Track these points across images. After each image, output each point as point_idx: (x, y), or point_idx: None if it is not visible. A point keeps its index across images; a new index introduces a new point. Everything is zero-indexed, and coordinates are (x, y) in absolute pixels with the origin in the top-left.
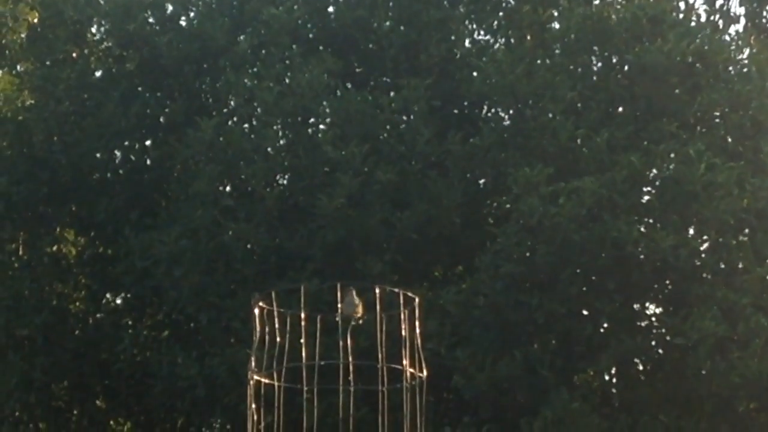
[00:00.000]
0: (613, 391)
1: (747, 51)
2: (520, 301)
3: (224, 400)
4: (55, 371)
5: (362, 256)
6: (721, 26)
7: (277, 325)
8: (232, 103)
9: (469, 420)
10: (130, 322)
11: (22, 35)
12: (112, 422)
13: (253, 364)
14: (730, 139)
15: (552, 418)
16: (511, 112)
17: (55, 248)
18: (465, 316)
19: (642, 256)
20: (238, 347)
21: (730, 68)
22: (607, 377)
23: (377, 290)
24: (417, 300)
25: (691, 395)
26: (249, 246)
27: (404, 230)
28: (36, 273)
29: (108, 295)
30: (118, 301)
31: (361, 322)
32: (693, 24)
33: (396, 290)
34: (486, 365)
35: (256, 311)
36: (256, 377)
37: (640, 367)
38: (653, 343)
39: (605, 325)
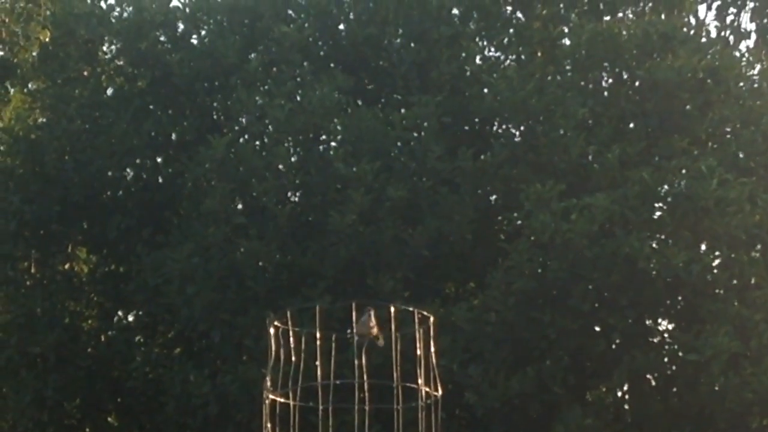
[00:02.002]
0: (626, 407)
1: (758, 66)
2: (532, 317)
3: (237, 417)
4: (67, 389)
5: (374, 273)
6: (731, 42)
7: (292, 344)
8: (243, 120)
9: None
10: (142, 340)
11: (34, 54)
12: None
13: (268, 383)
14: (741, 155)
15: None
16: (522, 128)
17: (67, 266)
18: (477, 333)
19: (654, 272)
20: (250, 364)
21: (741, 84)
22: (619, 393)
23: (392, 309)
24: (432, 319)
25: (704, 411)
26: (261, 263)
27: (416, 247)
28: (48, 291)
29: (120, 313)
30: (131, 319)
31: (380, 343)
32: (704, 40)
33: (411, 309)
34: (498, 382)
35: (272, 330)
36: (271, 396)
37: (653, 384)
38: (666, 359)
39: (618, 341)
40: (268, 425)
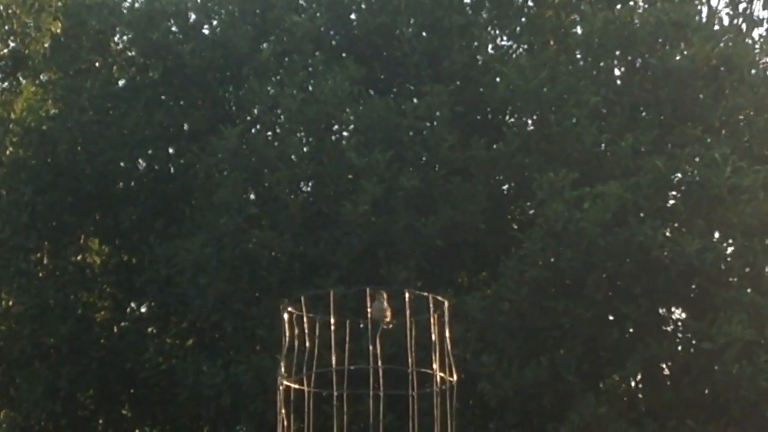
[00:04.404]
0: (640, 396)
1: None
2: (545, 306)
3: (250, 407)
4: (80, 380)
5: (387, 262)
6: (744, 30)
7: (306, 331)
8: (255, 110)
9: (495, 426)
10: (155, 331)
11: (46, 45)
12: (137, 431)
13: (282, 369)
14: (755, 143)
15: (579, 423)
16: (534, 117)
17: (79, 257)
18: (490, 322)
19: (668, 261)
20: (263, 354)
21: (755, 71)
22: (633, 382)
23: (406, 294)
24: (446, 304)
25: (719, 400)
26: (273, 253)
27: (429, 236)
28: (61, 282)
29: (133, 304)
30: (143, 310)
31: (390, 326)
32: (716, 28)
33: (425, 294)
34: (512, 371)
35: (285, 316)
36: (285, 383)
37: (667, 372)
38: (680, 347)
39: (631, 330)
40: (283, 411)
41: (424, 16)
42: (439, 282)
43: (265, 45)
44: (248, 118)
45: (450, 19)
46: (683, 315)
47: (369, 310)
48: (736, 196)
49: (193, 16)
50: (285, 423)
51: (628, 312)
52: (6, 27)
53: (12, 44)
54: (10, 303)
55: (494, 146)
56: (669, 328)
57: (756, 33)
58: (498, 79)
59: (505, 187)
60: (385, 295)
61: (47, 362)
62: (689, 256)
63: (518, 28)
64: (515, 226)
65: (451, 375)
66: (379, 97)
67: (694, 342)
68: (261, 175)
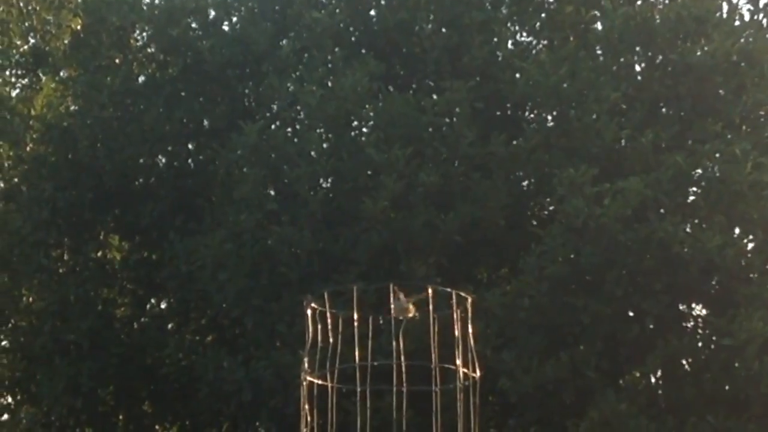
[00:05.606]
0: (660, 392)
1: None
2: (565, 302)
3: (270, 403)
4: (101, 376)
5: (406, 258)
6: (765, 25)
7: (330, 326)
8: (275, 107)
9: (515, 422)
10: (175, 327)
11: (66, 42)
12: (158, 427)
13: (306, 365)
14: None
15: (599, 419)
16: (554, 113)
17: (100, 253)
18: (510, 318)
19: (688, 257)
20: (283, 350)
21: None
22: (653, 378)
23: (429, 290)
24: (470, 300)
25: (739, 396)
26: (293, 249)
27: (448, 232)
28: (81, 278)
29: (153, 300)
30: (163, 306)
31: (417, 317)
32: (737, 23)
33: (448, 290)
34: (532, 367)
35: (309, 312)
36: (309, 378)
37: (687, 368)
38: (700, 343)
39: (652, 326)
40: (306, 407)
41: (443, 12)
42: (459, 278)
43: (284, 41)
44: (268, 114)
45: (470, 15)
46: (704, 311)
47: (392, 306)
48: (757, 192)
49: (212, 13)
50: (308, 419)
51: (649, 308)
52: (26, 24)
53: (32, 41)
54: (31, 299)
55: (514, 142)
56: (689, 325)
57: None
58: (518, 75)
59: (525, 183)
60: (402, 294)
61: (68, 358)
62: (710, 252)
63: (538, 24)
64: (535, 222)
65: (474, 371)
66: (398, 94)
67: (714, 338)
68: (280, 171)
